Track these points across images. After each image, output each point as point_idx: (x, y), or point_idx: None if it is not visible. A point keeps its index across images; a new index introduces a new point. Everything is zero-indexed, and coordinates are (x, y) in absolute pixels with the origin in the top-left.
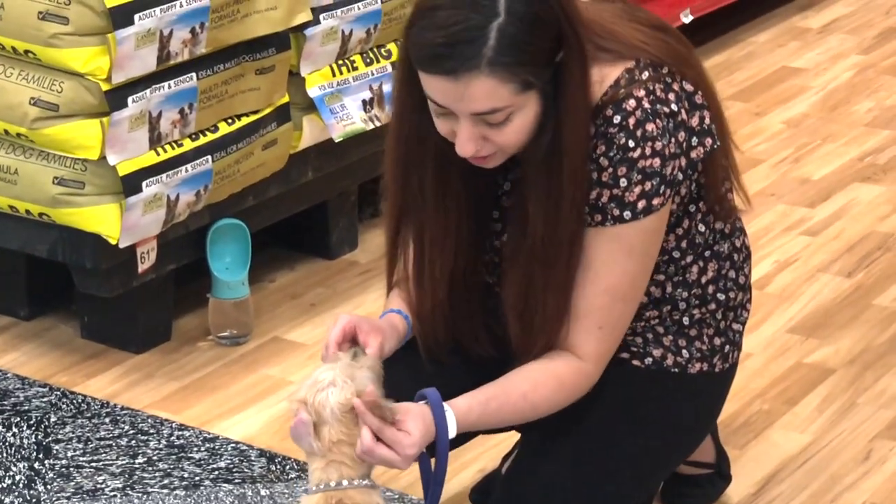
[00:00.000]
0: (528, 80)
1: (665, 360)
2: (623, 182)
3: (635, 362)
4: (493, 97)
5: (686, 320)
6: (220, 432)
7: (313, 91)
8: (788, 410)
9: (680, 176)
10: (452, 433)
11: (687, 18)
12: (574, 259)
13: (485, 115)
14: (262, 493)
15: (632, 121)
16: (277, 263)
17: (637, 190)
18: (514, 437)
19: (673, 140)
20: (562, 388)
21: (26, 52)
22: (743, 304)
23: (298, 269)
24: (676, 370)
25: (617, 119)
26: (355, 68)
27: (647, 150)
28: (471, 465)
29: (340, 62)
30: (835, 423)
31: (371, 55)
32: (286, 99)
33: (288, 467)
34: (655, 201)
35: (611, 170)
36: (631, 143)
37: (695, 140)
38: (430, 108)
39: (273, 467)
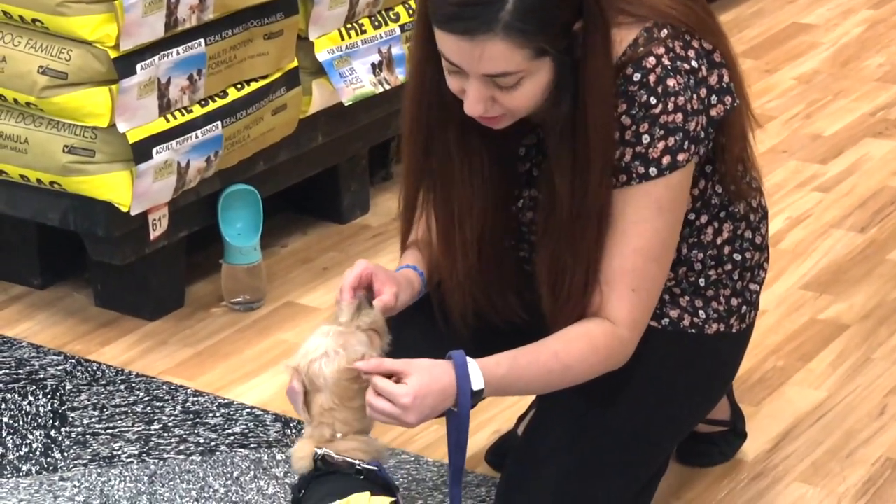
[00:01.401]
0: (542, 48)
1: (682, 321)
2: (646, 139)
3: (652, 323)
4: (506, 61)
5: (702, 281)
6: (234, 398)
7: (322, 55)
8: (803, 367)
9: (702, 133)
10: (479, 384)
11: None
12: (602, 231)
13: (496, 78)
14: (278, 457)
15: (652, 77)
16: (289, 228)
17: (660, 146)
18: (529, 398)
19: (694, 96)
20: (595, 351)
21: (34, 20)
22: (760, 263)
23: (310, 233)
24: (693, 331)
25: (637, 77)
26: (364, 31)
27: (670, 106)
28: (486, 426)
29: (349, 26)
30: (849, 378)
31: (379, 18)
32: (295, 63)
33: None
34: (680, 157)
35: (633, 127)
36: (652, 100)
37: (714, 98)
38: (443, 64)
39: (288, 432)
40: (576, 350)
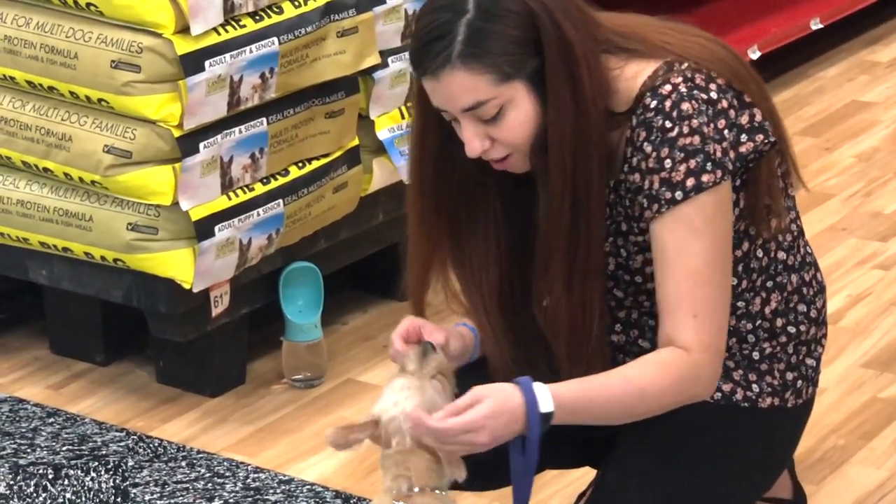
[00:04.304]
0: (505, 71)
1: (734, 394)
2: (668, 163)
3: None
4: (473, 91)
5: (756, 354)
6: (295, 474)
7: (383, 133)
8: (864, 445)
9: (727, 161)
10: (547, 406)
11: (755, 55)
12: (573, 246)
13: (475, 111)
14: None
15: (668, 103)
16: (350, 306)
17: (682, 168)
18: (590, 475)
19: (712, 124)
20: (665, 372)
21: (99, 100)
22: (817, 338)
23: (370, 311)
24: (746, 404)
25: (654, 104)
26: None
27: (685, 129)
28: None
29: (409, 104)
30: None
31: None
32: (356, 142)
33: None
34: (705, 178)
35: (654, 154)
36: (668, 124)
37: (744, 136)
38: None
39: None
40: (647, 373)
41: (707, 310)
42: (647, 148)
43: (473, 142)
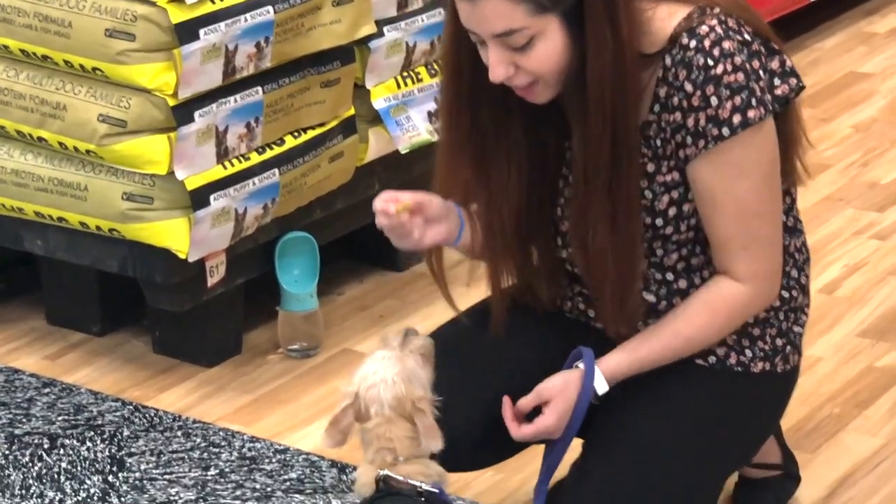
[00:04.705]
0: (542, 3)
1: (728, 358)
2: (714, 101)
3: (699, 361)
4: (507, 18)
5: (750, 319)
6: (291, 444)
7: (378, 103)
8: (860, 414)
9: (768, 99)
10: (602, 388)
11: None
12: (615, 187)
13: (505, 38)
14: (334, 503)
15: (707, 42)
16: (346, 276)
17: (728, 105)
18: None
19: (750, 64)
20: (715, 315)
21: (94, 69)
22: (802, 307)
23: (367, 281)
24: (740, 369)
25: (693, 43)
26: (420, 80)
27: (728, 66)
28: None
29: (405, 74)
30: None
31: (436, 66)
32: (352, 111)
33: None
34: (751, 114)
35: (698, 92)
36: (710, 62)
37: (777, 80)
38: (472, 38)
39: (344, 477)
40: (696, 322)
41: (759, 240)
42: (689, 87)
43: (498, 68)
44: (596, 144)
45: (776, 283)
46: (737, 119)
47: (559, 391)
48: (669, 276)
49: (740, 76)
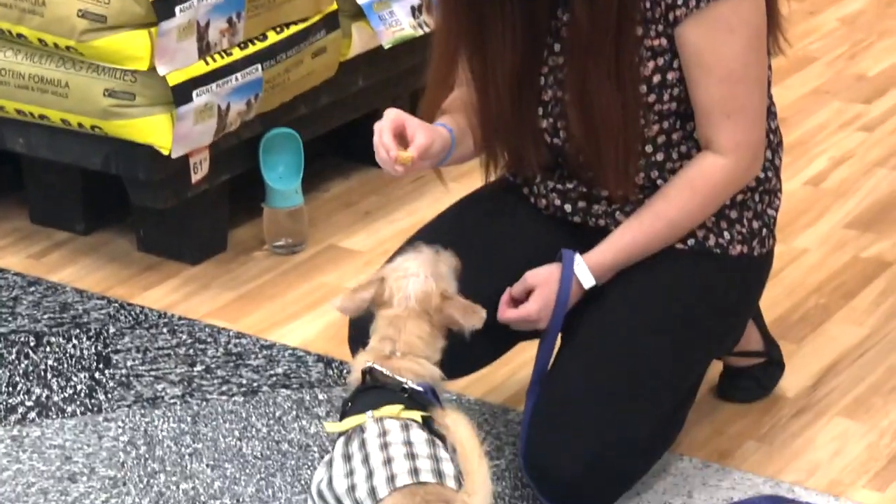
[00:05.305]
0: None
1: (707, 240)
2: None
3: (679, 245)
4: None
5: (727, 201)
6: (276, 339)
7: None
8: (846, 304)
9: None
10: (588, 282)
11: None
12: (621, 48)
13: None
14: (320, 397)
15: None
16: (331, 172)
17: None
18: None
19: None
20: (695, 194)
21: None
22: (776, 191)
23: (352, 177)
24: (718, 251)
25: None
26: None
27: None
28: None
29: None
30: (892, 315)
31: None
32: (334, 6)
33: (345, 371)
34: None
35: None
36: None
37: None
38: None
39: (330, 372)
40: (677, 202)
41: (743, 109)
42: None
43: None
44: (604, 5)
45: (758, 157)
46: None
47: (543, 280)
48: (648, 149)
49: None
